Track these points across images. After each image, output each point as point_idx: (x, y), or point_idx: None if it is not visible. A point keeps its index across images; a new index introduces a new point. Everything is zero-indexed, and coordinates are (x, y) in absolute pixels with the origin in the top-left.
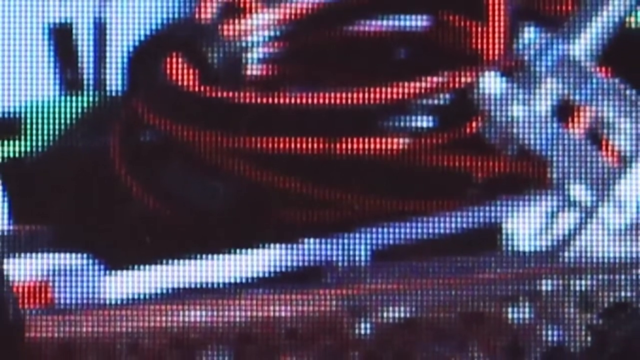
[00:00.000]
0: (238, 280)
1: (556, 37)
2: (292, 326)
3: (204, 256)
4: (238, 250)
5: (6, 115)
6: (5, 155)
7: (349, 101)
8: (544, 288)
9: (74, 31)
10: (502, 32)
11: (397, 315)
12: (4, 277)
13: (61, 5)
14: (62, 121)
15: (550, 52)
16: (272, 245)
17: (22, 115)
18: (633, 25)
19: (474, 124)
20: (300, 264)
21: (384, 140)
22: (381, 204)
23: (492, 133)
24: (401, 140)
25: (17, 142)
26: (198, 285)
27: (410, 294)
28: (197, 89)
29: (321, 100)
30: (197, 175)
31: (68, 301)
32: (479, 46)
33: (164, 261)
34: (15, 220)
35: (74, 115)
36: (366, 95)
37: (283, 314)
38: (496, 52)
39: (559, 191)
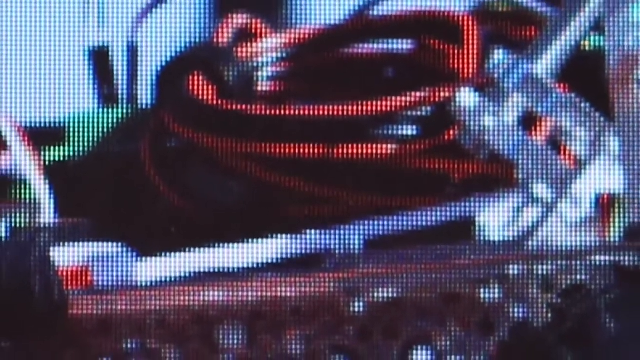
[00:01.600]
0: (250, 266)
1: (521, 58)
2: (296, 304)
3: (220, 245)
4: (250, 240)
5: (53, 125)
6: (52, 159)
7: (345, 113)
8: (511, 272)
9: (110, 53)
10: (475, 54)
11: (385, 295)
12: (51, 263)
13: (100, 31)
14: (100, 130)
15: (516, 70)
16: (279, 236)
17: (66, 125)
18: (587, 48)
19: (451, 132)
20: (303, 251)
21: (374, 146)
22: (372, 200)
23: (466, 140)
24: (389, 146)
25: (62, 148)
26: (216, 270)
27: (397, 277)
28: (215, 102)
29: (321, 112)
30: (214, 175)
31: (105, 283)
32: (456, 66)
33: (187, 249)
34: (60, 214)
35: (110, 125)
36: (359, 108)
37: (288, 294)
38: (470, 71)
39: (524, 189)
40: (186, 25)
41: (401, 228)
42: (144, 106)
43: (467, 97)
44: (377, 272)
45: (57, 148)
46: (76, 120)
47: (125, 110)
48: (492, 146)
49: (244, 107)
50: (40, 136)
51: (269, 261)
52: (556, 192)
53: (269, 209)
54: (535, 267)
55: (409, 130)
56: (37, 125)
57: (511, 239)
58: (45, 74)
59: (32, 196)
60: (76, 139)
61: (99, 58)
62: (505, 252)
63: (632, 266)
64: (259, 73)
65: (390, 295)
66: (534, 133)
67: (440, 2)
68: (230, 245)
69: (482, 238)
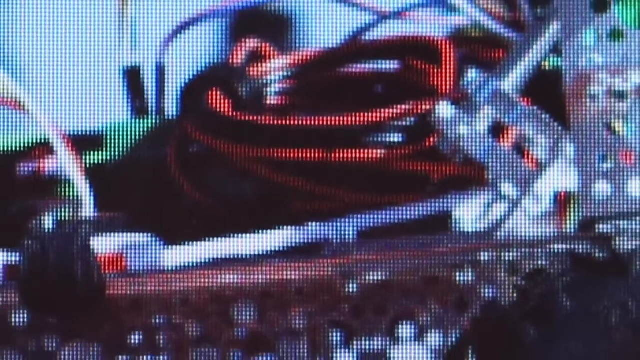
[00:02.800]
0: (260, 252)
1: (491, 76)
2: (299, 286)
3: (235, 235)
4: (260, 231)
5: (92, 133)
6: (92, 162)
7: (341, 122)
8: (482, 258)
9: (141, 72)
10: (452, 72)
11: (375, 278)
12: (91, 251)
13: (133, 53)
14: (133, 137)
15: (487, 87)
16: (284, 227)
17: (104, 133)
18: (547, 68)
19: (431, 139)
20: (305, 241)
21: (366, 151)
22: (364, 197)
23: (444, 146)
24: (378, 151)
25: (100, 153)
26: (231, 256)
27: (385, 262)
28: (230, 114)
29: (320, 122)
30: (230, 176)
31: (137, 268)
32: (435, 83)
33: (206, 239)
34: (98, 209)
35: (141, 133)
36: (353, 118)
37: (293, 277)
38: (447, 87)
39: (493, 188)
40: (206, 48)
41: (389, 221)
42: (170, 117)
43: (444, 110)
44: (368, 258)
45: (96, 153)
46: (112, 129)
47: (154, 121)
48: (466, 151)
49: (255, 118)
50: (82, 142)
51: (276, 249)
52: (520, 190)
53: (276, 204)
54: (502, 254)
55: (395, 138)
56: (79, 133)
57: (482, 230)
58: (86, 89)
59: (75, 194)
60: (112, 145)
61: (132, 76)
62: (477, 241)
63: (585, 253)
64: (268, 89)
65: (379, 278)
66: (501, 140)
67: (422, 28)
68: (243, 235)
69: (457, 229)
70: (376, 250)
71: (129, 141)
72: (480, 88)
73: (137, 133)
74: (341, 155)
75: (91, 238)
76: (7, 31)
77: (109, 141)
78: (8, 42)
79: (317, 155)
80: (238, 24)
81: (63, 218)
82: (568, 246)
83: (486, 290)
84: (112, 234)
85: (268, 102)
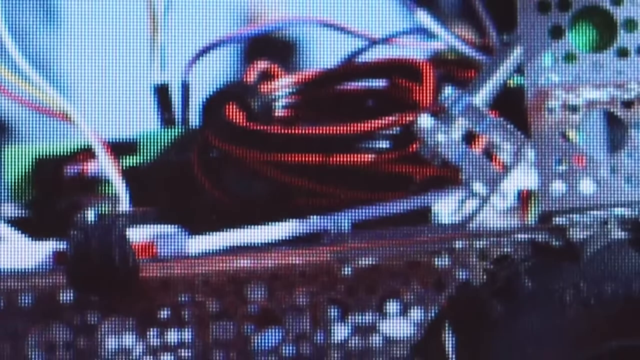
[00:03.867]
0: (269, 241)
1: (464, 92)
2: (302, 269)
3: (248, 227)
4: (269, 223)
5: (128, 140)
6: (127, 165)
7: (338, 131)
8: (456, 246)
9: (169, 89)
10: (431, 89)
11: (367, 262)
12: (127, 240)
13: (162, 72)
14: (162, 144)
15: (461, 101)
16: (290, 220)
17: (138, 140)
18: (511, 85)
19: (414, 146)
20: (307, 231)
21: (359, 155)
22: (357, 195)
23: (425, 151)
24: (370, 156)
25: (134, 157)
26: (244, 244)
27: (375, 249)
28: (244, 124)
29: (320, 131)
30: (244, 177)
31: (165, 254)
32: (417, 98)
33: (224, 229)
34: (133, 204)
35: (169, 141)
36: (348, 128)
37: (297, 261)
38: (427, 102)
39: (466, 187)
40: (224, 69)
41: (378, 214)
42: (193, 127)
43: (425, 121)
44: (361, 246)
45: (130, 157)
46: (144, 136)
47: (180, 130)
48: (443, 156)
49: (265, 127)
50: (119, 148)
51: (283, 238)
52: (489, 188)
53: (283, 201)
54: (474, 242)
55: (384, 144)
56: (116, 140)
57: (457, 222)
58: (122, 103)
59: (113, 191)
60: (144, 150)
61: (161, 92)
62: (452, 231)
63: (544, 242)
64: (276, 103)
65: (370, 262)
66: (473, 146)
67: (406, 52)
68: (255, 227)
69: (436, 222)
70: (367, 239)
71: (159, 147)
72: (455, 102)
73: (166, 140)
74: (338, 159)
75: (127, 229)
76: (56, 53)
77: (141, 147)
78: (57, 62)
79: (317, 159)
80: (251, 48)
81: (103, 212)
82: (529, 236)
83: (460, 273)
84: (145, 226)
85: (276, 114)
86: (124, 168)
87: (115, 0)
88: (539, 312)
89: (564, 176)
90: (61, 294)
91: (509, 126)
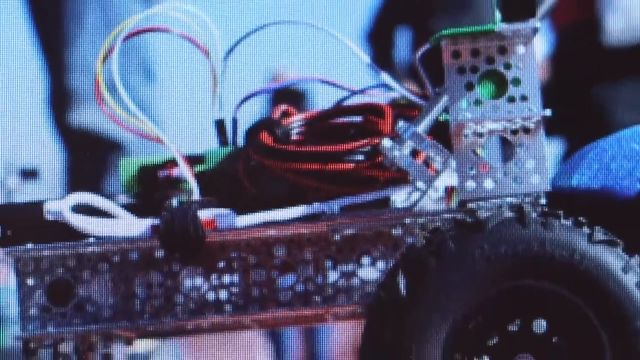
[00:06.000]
0: (287, 219)
1: (411, 124)
2: (308, 236)
3: (273, 210)
4: (287, 208)
5: (198, 155)
6: (198, 170)
7: (331, 149)
8: (406, 221)
9: (224, 122)
10: (390, 123)
11: (350, 232)
12: (198, 218)
13: (219, 111)
14: (220, 157)
15: (409, 130)
16: (301, 206)
17: (205, 155)
18: (441, 119)
19: (379, 158)
20: (312, 212)
21: (345, 164)
22: (344, 190)
23: (386, 162)
24: (351, 165)
25: (202, 165)
26: (271, 221)
27: (355, 224)
28: (272, 144)
29: (320, 149)
30: (272, 179)
31: (222, 227)
32: (381, 128)
33: (258, 212)
34: (201, 195)
35: (224, 155)
36: (338, 147)
37: (305, 231)
38: (388, 131)
39: (413, 184)
40: (258, 109)
41: (357, 202)
42: (239, 146)
43: (386, 142)
44: (346, 221)
45: (200, 165)
46: (209, 152)
47: (231, 148)
48: (398, 165)
49: (285, 147)
50: (192, 160)
51: (296, 217)
52: (427, 185)
53: (296, 194)
54: (417, 219)
55: (360, 157)
56: (191, 154)
57: (406, 206)
58: (196, 131)
59: (189, 187)
60: (209, 161)
61: (220, 124)
62: (404, 212)
63: (461, 219)
64: (292, 131)
65: (351, 232)
66: (417, 158)
67: (375, 99)
68: (278, 210)
69: (393, 206)
70: (350, 217)
71: (218, 159)
72: (405, 131)
73: (222, 155)
74: (331, 167)
75: (197, 211)
76: (153, 99)
77: (207, 159)
78: (154, 105)
79: (318, 167)
80: (275, 96)
81: (183, 200)
82: (452, 215)
83: (408, 239)
84: (208, 209)
85: (292, 138)
86: (196, 172)
87: (189, 66)
88: (458, 265)
89: (474, 177)
90: (156, 252)
91: (439, 146)
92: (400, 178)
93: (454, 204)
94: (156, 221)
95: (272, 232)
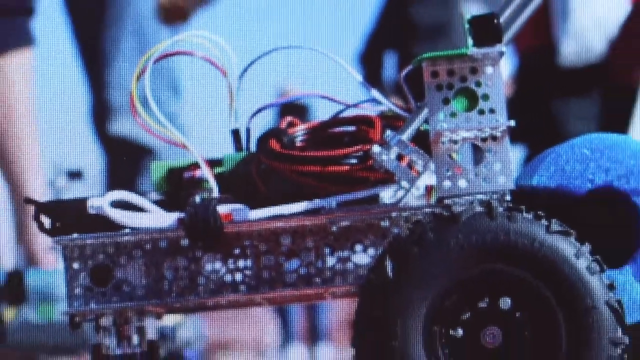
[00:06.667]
0: (292, 213)
1: (397, 133)
2: (310, 227)
3: (281, 205)
4: (292, 204)
5: (217, 159)
6: (217, 172)
7: (329, 154)
8: (393, 215)
9: (239, 131)
10: (379, 132)
11: (344, 224)
12: (217, 211)
13: (235, 122)
14: (236, 161)
15: (395, 138)
16: (303, 202)
17: (223, 159)
18: (422, 129)
19: (370, 161)
20: (313, 207)
21: (341, 167)
22: (340, 188)
23: (376, 165)
24: (347, 167)
25: (221, 168)
26: (279, 214)
27: (349, 217)
28: (279, 150)
29: (320, 154)
30: (280, 180)
31: (237, 219)
32: (372, 136)
33: (268, 207)
34: (220, 193)
35: (240, 159)
36: (335, 152)
37: (307, 223)
38: (377, 138)
39: (398, 184)
40: (268, 120)
41: (351, 198)
42: (252, 151)
43: (376, 148)
44: (342, 215)
45: (219, 168)
46: (227, 157)
47: (245, 154)
48: (385, 167)
49: (290, 152)
50: (212, 163)
51: (300, 211)
52: (410, 184)
53: (300, 192)
54: (402, 213)
55: (354, 160)
56: (211, 158)
57: (393, 203)
58: (214, 139)
59: (209, 186)
60: (227, 164)
61: (235, 133)
62: (390, 207)
63: (439, 213)
64: (296, 139)
65: (346, 224)
66: (402, 162)
67: (366, 111)
68: (285, 205)
69: (382, 202)
70: (345, 212)
71: (234, 163)
72: (392, 139)
73: (237, 159)
74: (330, 169)
75: (217, 206)
76: (179, 110)
77: (225, 162)
78: (180, 116)
79: (318, 169)
80: (283, 109)
81: (204, 197)
82: (431, 210)
83: (394, 230)
84: (226, 204)
85: (297, 144)
86: (216, 174)
87: (209, 84)
88: (436, 252)
89: (450, 178)
90: (181, 241)
91: (420, 151)
92: (388, 178)
93: (433, 200)
94: (182, 215)
95: (279, 224)
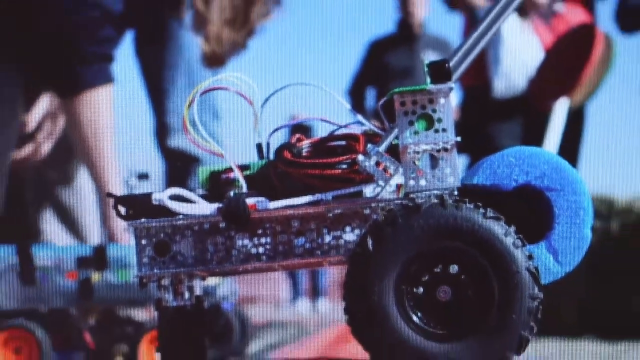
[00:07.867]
0: (299, 204)
1: (376, 146)
2: (313, 214)
3: (291, 198)
4: (299, 197)
5: (245, 165)
6: (246, 173)
7: (326, 162)
8: (373, 205)
9: (262, 145)
10: (363, 145)
11: (338, 212)
12: (245, 203)
13: (259, 139)
14: (259, 166)
15: (374, 150)
16: (307, 196)
17: (250, 165)
18: (394, 143)
19: (356, 166)
20: (315, 200)
21: (335, 170)
22: (335, 185)
23: (361, 168)
24: (339, 170)
25: (248, 171)
26: (290, 205)
27: (341, 206)
28: (291, 158)
29: (320, 162)
30: (291, 180)
31: (260, 208)
32: (358, 148)
33: (282, 199)
34: (247, 189)
35: (261, 165)
36: (331, 160)
37: (311, 211)
38: (361, 150)
39: (376, 183)
40: (282, 137)
41: (343, 194)
42: (271, 159)
43: (361, 157)
44: (335, 205)
45: (247, 171)
46: (253, 163)
47: (266, 161)
48: (367, 170)
49: (299, 160)
50: (242, 167)
51: (305, 202)
52: (384, 183)
53: (305, 189)
54: (379, 204)
55: (345, 166)
56: (241, 164)
57: (372, 196)
58: (243, 150)
59: (240, 185)
60: (252, 168)
61: (259, 147)
62: (371, 199)
63: (406, 204)
64: (303, 150)
65: (339, 211)
66: (379, 167)
67: (354, 130)
68: (294, 198)
69: (365, 196)
70: (338, 203)
71: (258, 167)
72: (372, 150)
73: (260, 165)
74: (327, 172)
75: (245, 199)
76: (218, 129)
77: (251, 167)
78: (218, 133)
79: (319, 172)
80: (293, 129)
81: (236, 192)
82: (400, 201)
83: (374, 215)
84: (252, 197)
85: (303, 154)
86: (245, 175)
87: (240, 110)
88: (404, 232)
89: (414, 178)
90: (220, 224)
91: (393, 159)
92: (369, 179)
93: (401, 194)
94: (220, 205)
95: (290, 211)
